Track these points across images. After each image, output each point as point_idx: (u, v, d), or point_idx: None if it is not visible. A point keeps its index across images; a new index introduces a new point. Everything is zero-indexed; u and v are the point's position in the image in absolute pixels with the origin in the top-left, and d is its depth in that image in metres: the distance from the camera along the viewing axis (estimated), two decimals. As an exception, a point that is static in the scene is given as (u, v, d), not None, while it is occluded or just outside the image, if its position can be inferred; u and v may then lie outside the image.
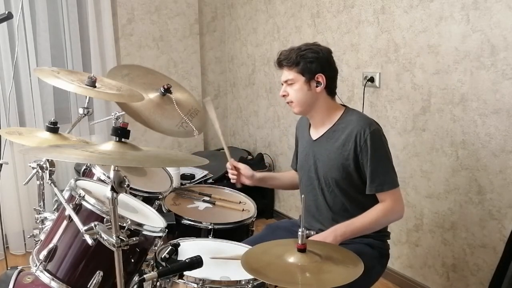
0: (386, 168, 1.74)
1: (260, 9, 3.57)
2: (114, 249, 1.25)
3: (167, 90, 2.20)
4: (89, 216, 1.46)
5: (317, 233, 1.80)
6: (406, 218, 2.63)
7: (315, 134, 1.88)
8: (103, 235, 1.26)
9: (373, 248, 1.80)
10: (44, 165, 1.76)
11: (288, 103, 1.84)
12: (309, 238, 1.67)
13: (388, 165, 1.75)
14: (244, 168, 2.03)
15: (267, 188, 3.62)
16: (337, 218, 1.79)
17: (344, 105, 1.88)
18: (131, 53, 3.56)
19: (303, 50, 1.77)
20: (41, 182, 1.93)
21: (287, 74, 1.79)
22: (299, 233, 1.37)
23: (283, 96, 1.83)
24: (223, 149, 4.20)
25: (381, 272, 1.86)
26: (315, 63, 1.75)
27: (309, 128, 1.92)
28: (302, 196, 1.43)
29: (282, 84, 1.84)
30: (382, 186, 1.72)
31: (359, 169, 1.75)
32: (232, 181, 2.05)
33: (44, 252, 1.48)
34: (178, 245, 1.47)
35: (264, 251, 1.47)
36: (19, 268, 1.69)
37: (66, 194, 1.54)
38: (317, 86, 1.77)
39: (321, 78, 1.76)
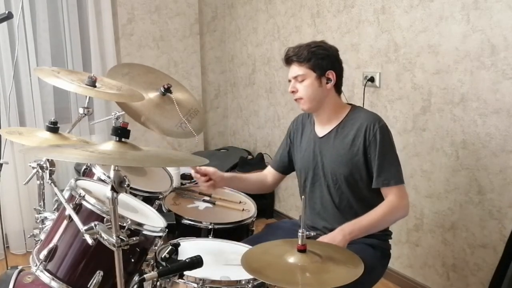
0: (393, 163, 1.74)
1: (260, 9, 3.57)
2: (114, 249, 1.25)
3: (167, 90, 2.19)
4: (89, 216, 1.45)
5: (321, 230, 1.79)
6: (406, 218, 2.61)
7: (321, 131, 1.86)
8: (103, 235, 1.26)
9: (375, 248, 1.80)
10: (44, 165, 1.76)
11: (296, 100, 1.81)
12: (317, 240, 1.66)
13: (395, 161, 1.75)
14: (215, 172, 1.91)
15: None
16: (343, 216, 1.78)
17: (349, 103, 1.88)
18: (131, 53, 3.56)
19: (313, 46, 1.76)
20: (41, 182, 1.94)
21: (297, 69, 1.77)
22: (299, 233, 1.37)
23: (292, 92, 1.80)
24: (223, 149, 4.19)
25: (382, 272, 1.86)
26: (326, 60, 1.76)
27: (313, 126, 1.91)
28: (303, 197, 1.43)
29: (290, 81, 1.81)
30: (389, 181, 1.72)
31: (368, 163, 1.75)
32: (204, 189, 1.96)
33: (44, 252, 1.47)
34: (178, 245, 1.47)
35: (265, 251, 1.47)
36: (19, 267, 1.68)
37: (66, 194, 1.54)
38: (327, 83, 1.77)
39: (331, 75, 1.77)
